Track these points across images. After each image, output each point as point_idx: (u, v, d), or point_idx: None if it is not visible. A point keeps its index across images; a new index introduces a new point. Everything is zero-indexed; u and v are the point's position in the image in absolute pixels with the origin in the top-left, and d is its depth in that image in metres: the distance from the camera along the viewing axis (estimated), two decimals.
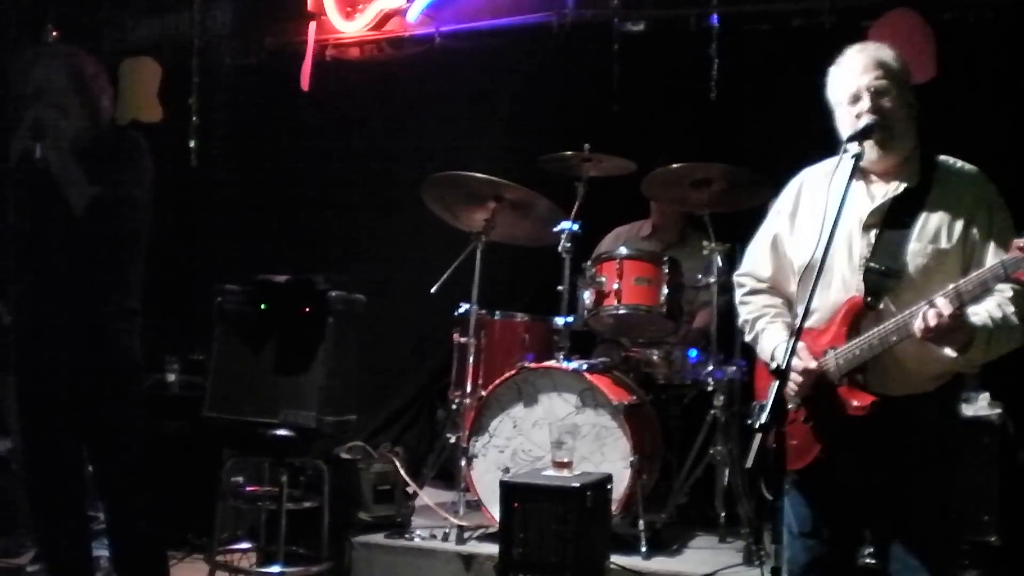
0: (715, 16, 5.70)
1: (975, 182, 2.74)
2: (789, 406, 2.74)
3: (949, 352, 2.56)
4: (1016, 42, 5.11)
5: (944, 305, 2.48)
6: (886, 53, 2.77)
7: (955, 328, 2.50)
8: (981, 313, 2.57)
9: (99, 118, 3.53)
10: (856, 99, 2.72)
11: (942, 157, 2.79)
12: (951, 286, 2.51)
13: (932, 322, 2.48)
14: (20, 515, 4.80)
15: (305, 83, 6.51)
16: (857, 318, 2.68)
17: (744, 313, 3.00)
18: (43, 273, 3.47)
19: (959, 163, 2.79)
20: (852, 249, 2.73)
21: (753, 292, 2.99)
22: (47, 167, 3.33)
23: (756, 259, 3.00)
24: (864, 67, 2.73)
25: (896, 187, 2.73)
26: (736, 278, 3.08)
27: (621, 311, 4.75)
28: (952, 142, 2.86)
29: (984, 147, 2.86)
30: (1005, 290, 2.59)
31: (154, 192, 3.57)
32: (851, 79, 2.74)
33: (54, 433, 3.46)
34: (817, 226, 2.61)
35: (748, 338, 2.99)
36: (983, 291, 2.50)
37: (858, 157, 2.69)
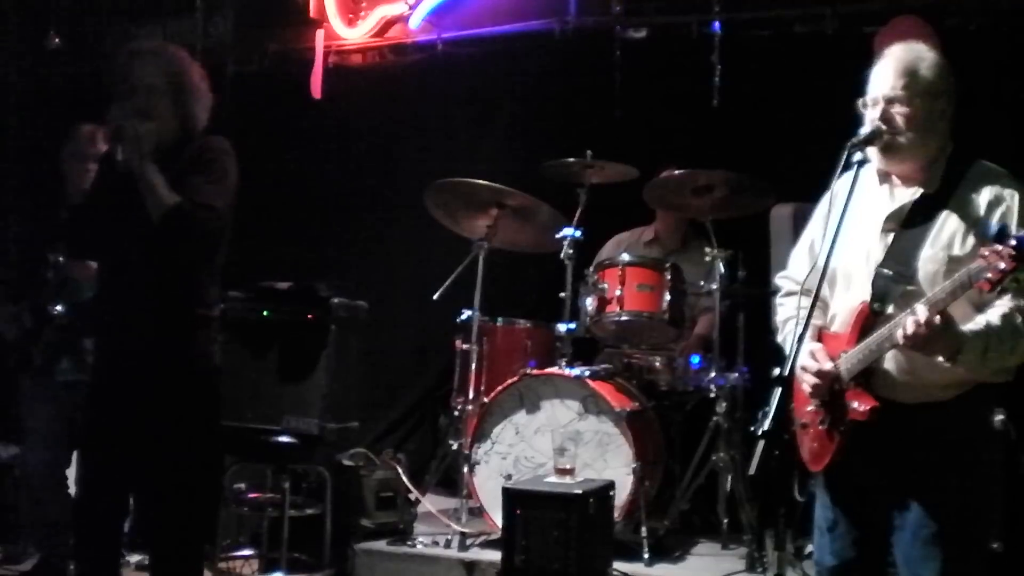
0: (717, 22, 5.70)
1: (994, 184, 2.65)
2: (808, 408, 2.74)
3: (941, 360, 2.53)
4: (1018, 49, 5.11)
5: (922, 313, 2.45)
6: (918, 58, 2.71)
7: (936, 336, 2.46)
8: (979, 321, 2.54)
9: (189, 125, 3.37)
10: (874, 103, 2.71)
11: (981, 162, 2.73)
12: (929, 294, 2.50)
13: (910, 330, 2.46)
14: (23, 521, 4.81)
15: (317, 91, 6.51)
16: (867, 323, 2.67)
17: (779, 314, 3.00)
18: (117, 278, 3.36)
19: (989, 167, 2.72)
20: (869, 253, 2.72)
21: (789, 294, 2.98)
22: (128, 170, 3.17)
23: (795, 262, 3.00)
24: (886, 73, 2.71)
25: (914, 192, 2.72)
26: (776, 280, 3.08)
27: (623, 317, 4.75)
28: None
29: (985, 153, 2.83)
30: (1020, 300, 2.53)
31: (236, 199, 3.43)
32: (874, 83, 2.73)
33: (118, 444, 3.28)
34: (833, 231, 2.61)
35: (779, 339, 2.97)
36: (954, 300, 2.46)
37: (860, 163, 2.68)
